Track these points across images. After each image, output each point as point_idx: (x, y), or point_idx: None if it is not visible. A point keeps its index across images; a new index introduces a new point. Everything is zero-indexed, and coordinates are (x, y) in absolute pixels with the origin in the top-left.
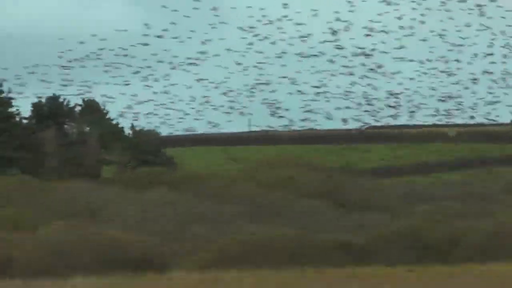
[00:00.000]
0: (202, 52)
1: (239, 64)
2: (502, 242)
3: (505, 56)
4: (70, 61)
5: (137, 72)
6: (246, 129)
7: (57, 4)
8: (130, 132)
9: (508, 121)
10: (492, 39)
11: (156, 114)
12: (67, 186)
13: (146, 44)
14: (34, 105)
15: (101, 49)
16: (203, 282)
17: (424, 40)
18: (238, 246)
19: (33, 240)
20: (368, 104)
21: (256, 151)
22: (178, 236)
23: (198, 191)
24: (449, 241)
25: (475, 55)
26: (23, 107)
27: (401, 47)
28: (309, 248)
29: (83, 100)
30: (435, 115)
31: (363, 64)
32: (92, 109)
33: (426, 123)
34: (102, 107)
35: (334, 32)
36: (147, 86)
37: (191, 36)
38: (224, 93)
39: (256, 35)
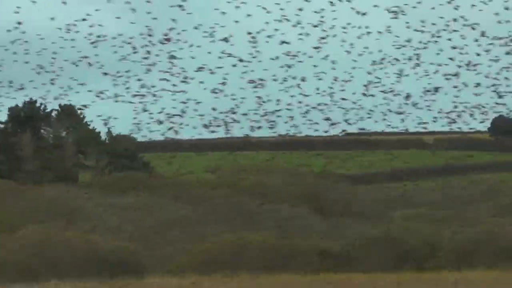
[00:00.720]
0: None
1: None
2: (479, 248)
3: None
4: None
5: (111, 74)
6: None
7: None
8: (107, 137)
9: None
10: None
11: (134, 118)
12: (44, 190)
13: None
14: (11, 109)
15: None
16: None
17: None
18: (216, 252)
19: (9, 243)
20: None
21: (236, 157)
22: (155, 241)
23: (175, 196)
24: (426, 247)
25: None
26: None
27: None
28: (287, 254)
29: (60, 105)
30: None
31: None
32: (68, 113)
33: (402, 130)
34: (79, 111)
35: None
36: (127, 88)
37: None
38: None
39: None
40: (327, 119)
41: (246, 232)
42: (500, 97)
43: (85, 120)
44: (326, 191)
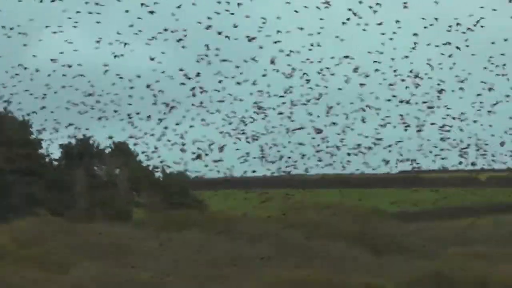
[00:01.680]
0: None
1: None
2: None
3: None
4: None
5: (166, 113)
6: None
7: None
8: (160, 174)
9: None
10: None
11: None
12: (96, 227)
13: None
14: (64, 146)
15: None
16: None
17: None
18: None
19: (62, 281)
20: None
21: (287, 194)
22: (209, 278)
23: (229, 233)
24: (478, 285)
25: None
26: (52, 148)
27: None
28: None
29: (113, 142)
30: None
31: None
32: (121, 151)
33: (454, 168)
34: (132, 149)
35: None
36: (177, 124)
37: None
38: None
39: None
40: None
41: (298, 268)
42: None
43: (138, 158)
44: (378, 228)
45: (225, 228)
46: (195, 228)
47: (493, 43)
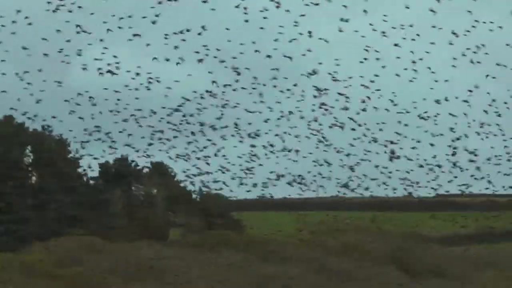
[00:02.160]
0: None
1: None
2: None
3: None
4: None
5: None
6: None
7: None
8: (198, 195)
9: None
10: None
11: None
12: (133, 247)
13: (224, 107)
14: (102, 165)
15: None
16: None
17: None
18: None
19: None
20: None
21: (325, 217)
22: None
23: (265, 255)
24: None
25: None
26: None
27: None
28: None
29: (151, 162)
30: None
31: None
32: (159, 171)
33: (491, 192)
34: (170, 169)
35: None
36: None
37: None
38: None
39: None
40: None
41: None
42: None
43: (176, 178)
44: (415, 251)
45: (262, 249)
46: (232, 249)
47: None
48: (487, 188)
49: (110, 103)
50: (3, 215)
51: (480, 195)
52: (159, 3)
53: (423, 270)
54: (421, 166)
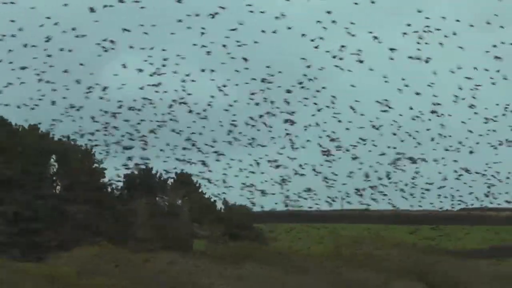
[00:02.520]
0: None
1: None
2: None
3: None
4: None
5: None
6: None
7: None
8: (222, 206)
9: None
10: None
11: (249, 187)
12: (156, 258)
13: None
14: (127, 176)
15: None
16: None
17: None
18: None
19: None
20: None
21: (349, 229)
22: None
23: (288, 267)
24: None
25: None
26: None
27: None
28: None
29: (176, 173)
30: None
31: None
32: (184, 182)
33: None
34: (195, 180)
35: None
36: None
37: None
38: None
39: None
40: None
41: None
42: None
43: (200, 189)
44: (436, 265)
45: (284, 261)
46: (255, 261)
47: None
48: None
49: (146, 113)
50: (26, 224)
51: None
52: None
53: (446, 284)
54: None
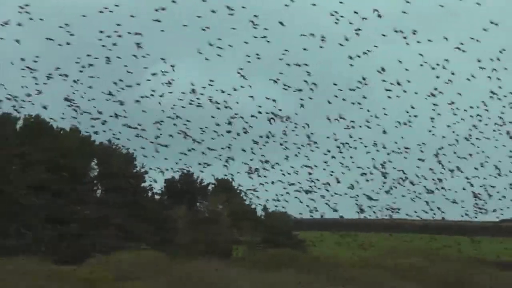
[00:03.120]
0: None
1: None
2: None
3: None
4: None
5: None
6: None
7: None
8: (262, 213)
9: None
10: None
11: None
12: (196, 264)
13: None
14: (167, 181)
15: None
16: None
17: None
18: None
19: None
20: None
21: (384, 239)
22: None
23: (327, 275)
24: None
25: None
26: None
27: None
28: None
29: (216, 179)
30: None
31: None
32: (225, 187)
33: None
34: (235, 186)
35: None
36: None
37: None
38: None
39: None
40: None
41: None
42: None
43: (241, 195)
44: (474, 276)
45: (323, 270)
46: (293, 268)
47: None
48: None
49: (189, 119)
50: (66, 227)
51: None
52: None
53: None
54: None
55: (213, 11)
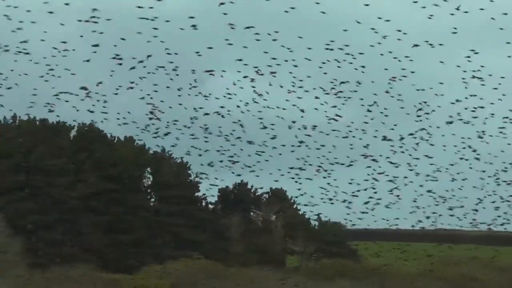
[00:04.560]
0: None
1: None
2: None
3: None
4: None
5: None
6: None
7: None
8: (316, 222)
9: None
10: None
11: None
12: (250, 273)
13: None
14: (221, 190)
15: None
16: None
17: None
18: None
19: None
20: None
21: (432, 248)
22: None
23: (380, 285)
24: None
25: None
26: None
27: None
28: None
29: (271, 189)
30: None
31: None
32: (279, 197)
33: None
34: (290, 196)
35: None
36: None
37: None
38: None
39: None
40: None
41: None
42: None
43: (295, 205)
44: None
45: (377, 279)
46: (347, 278)
47: None
48: None
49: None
50: (121, 236)
51: None
52: None
53: None
54: None
55: None
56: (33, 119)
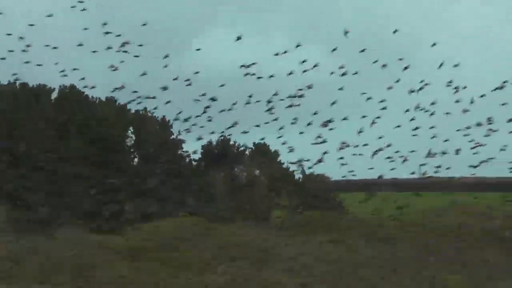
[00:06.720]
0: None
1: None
2: None
3: None
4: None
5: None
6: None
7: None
8: (300, 176)
9: None
10: None
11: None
12: (235, 229)
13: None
14: (204, 146)
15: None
16: None
17: None
18: None
19: (202, 283)
20: None
21: (424, 199)
22: (347, 281)
23: (366, 236)
24: None
25: None
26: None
27: None
28: None
29: (254, 143)
30: None
31: None
32: (262, 152)
33: None
34: (272, 150)
35: None
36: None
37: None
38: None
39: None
40: None
41: (440, 273)
42: None
43: (278, 159)
44: None
45: (364, 231)
46: (333, 231)
47: None
48: None
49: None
50: (105, 197)
51: None
52: None
53: None
54: None
55: None
56: (13, 82)
